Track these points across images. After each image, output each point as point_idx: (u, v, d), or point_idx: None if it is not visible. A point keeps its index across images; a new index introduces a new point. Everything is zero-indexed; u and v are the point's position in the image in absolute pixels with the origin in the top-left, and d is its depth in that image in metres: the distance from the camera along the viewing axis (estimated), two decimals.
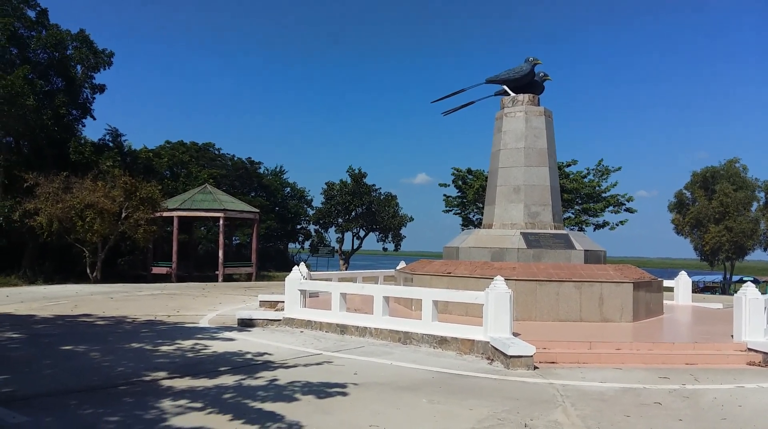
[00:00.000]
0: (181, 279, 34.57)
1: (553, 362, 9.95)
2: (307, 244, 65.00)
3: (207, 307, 17.94)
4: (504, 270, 13.75)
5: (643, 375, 9.18)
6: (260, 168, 60.96)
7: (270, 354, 10.13)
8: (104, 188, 28.78)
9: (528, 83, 16.60)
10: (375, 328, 11.86)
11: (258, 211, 39.70)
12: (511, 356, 9.29)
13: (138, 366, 8.91)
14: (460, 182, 41.32)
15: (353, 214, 60.12)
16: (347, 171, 59.83)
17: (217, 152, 58.16)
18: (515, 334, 10.49)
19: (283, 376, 8.32)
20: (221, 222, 36.14)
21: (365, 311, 12.90)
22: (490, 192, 16.62)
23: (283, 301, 17.65)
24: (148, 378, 8.14)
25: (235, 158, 58.49)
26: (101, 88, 36.36)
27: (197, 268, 41.19)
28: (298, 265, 17.39)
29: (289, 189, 63.42)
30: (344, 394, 7.44)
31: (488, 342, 10.26)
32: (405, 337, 11.38)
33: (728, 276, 47.20)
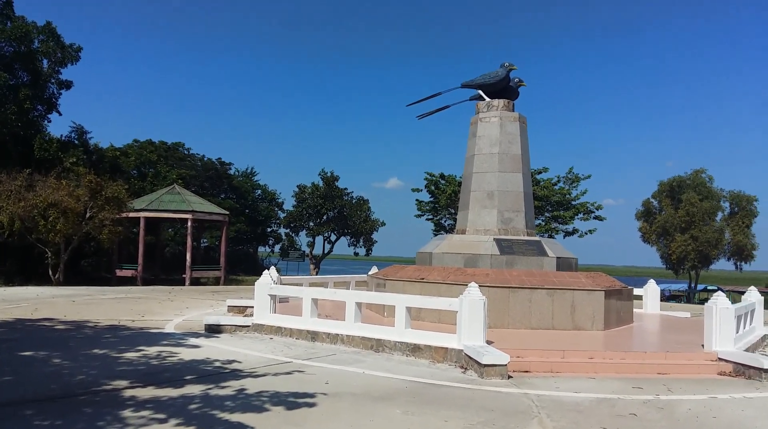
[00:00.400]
0: (147, 282, 33.82)
1: (526, 371, 9.84)
2: (277, 248, 64.44)
3: (173, 311, 17.49)
4: (477, 276, 13.64)
5: (617, 385, 9.12)
6: (231, 169, 60.21)
7: (238, 362, 9.82)
8: (68, 187, 28.00)
9: (503, 88, 16.59)
10: (347, 336, 11.63)
11: (227, 213, 39.11)
12: (485, 365, 9.16)
13: (100, 374, 8.54)
14: (432, 187, 41.31)
15: (324, 217, 59.75)
16: (319, 174, 59.34)
17: (186, 152, 57.28)
18: (488, 342, 10.37)
19: (252, 386, 8.04)
20: (189, 224, 35.48)
21: (337, 317, 12.67)
22: (463, 197, 16.53)
23: (252, 307, 17.33)
24: (109, 387, 7.78)
25: (205, 159, 57.69)
26: (68, 84, 35.46)
27: (164, 271, 40.41)
28: (268, 270, 17.08)
29: (260, 191, 62.76)
30: (315, 405, 7.20)
31: (462, 350, 10.11)
32: (377, 345, 11.17)
33: (693, 285, 48.04)
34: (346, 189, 60.24)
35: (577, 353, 10.57)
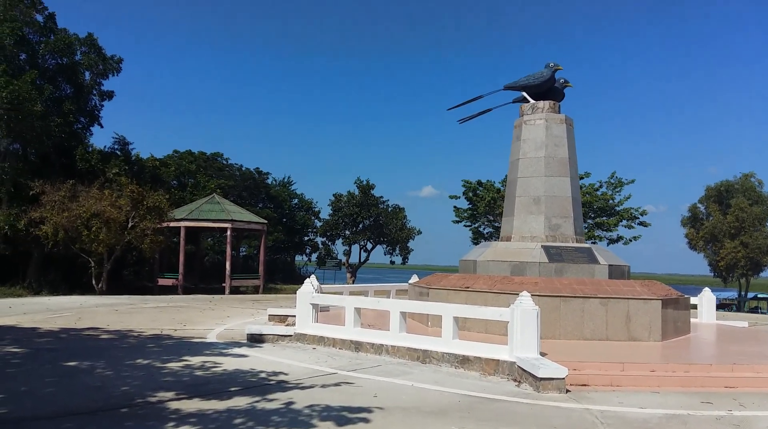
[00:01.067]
0: (187, 291, 34.05)
1: (584, 385, 9.32)
2: (314, 257, 64.53)
3: (215, 320, 17.37)
4: (526, 285, 13.14)
5: (683, 400, 8.54)
6: (268, 178, 60.57)
7: (284, 373, 9.53)
8: (111, 197, 28.35)
9: (548, 90, 16.08)
10: (392, 346, 11.26)
11: (266, 222, 39.22)
12: (542, 378, 8.67)
13: (143, 385, 8.34)
14: (471, 194, 40.76)
15: (360, 226, 59.65)
16: (355, 182, 59.37)
17: (225, 162, 57.84)
18: (542, 354, 9.87)
19: (300, 399, 7.73)
20: (229, 233, 35.64)
21: (379, 327, 12.32)
22: (508, 203, 16.04)
23: (293, 315, 17.10)
24: (153, 399, 7.56)
25: (243, 169, 58.17)
26: (109, 95, 36.09)
27: (203, 279, 40.71)
28: (308, 278, 16.86)
29: (296, 200, 62.99)
30: (366, 420, 6.84)
31: (514, 362, 9.64)
32: (424, 356, 10.77)
33: (743, 293, 46.30)
34: (381, 197, 60.12)
35: (638, 366, 9.99)
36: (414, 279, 21.14)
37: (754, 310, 42.36)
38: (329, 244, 63.78)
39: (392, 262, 65.22)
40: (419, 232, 63.12)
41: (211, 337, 13.69)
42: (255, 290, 36.96)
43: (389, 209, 60.86)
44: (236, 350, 11.72)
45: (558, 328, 12.62)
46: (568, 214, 15.22)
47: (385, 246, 62.03)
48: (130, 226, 29.36)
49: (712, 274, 48.74)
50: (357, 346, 11.79)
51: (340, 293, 17.23)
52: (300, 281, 61.26)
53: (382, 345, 11.41)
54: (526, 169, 15.56)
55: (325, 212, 61.19)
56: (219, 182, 49.30)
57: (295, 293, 34.25)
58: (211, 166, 54.66)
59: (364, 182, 59.39)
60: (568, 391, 8.79)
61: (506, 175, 37.90)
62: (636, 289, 13.41)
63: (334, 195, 60.40)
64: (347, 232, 59.90)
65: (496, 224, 41.94)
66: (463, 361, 10.25)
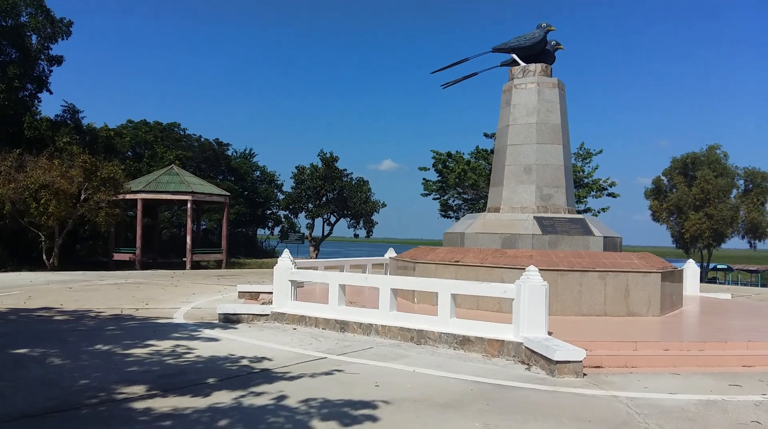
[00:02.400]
0: (145, 266, 32.46)
1: (598, 366, 8.54)
2: (276, 230, 63.11)
3: (180, 298, 16.12)
4: (520, 258, 12.32)
5: (709, 382, 7.83)
6: (228, 150, 58.64)
7: (267, 359, 8.47)
8: (61, 167, 26.47)
9: (540, 52, 15.11)
10: (382, 326, 10.29)
11: (228, 194, 37.67)
12: (558, 362, 7.83)
13: (106, 377, 7.17)
14: (440, 166, 39.87)
15: (324, 199, 58.45)
16: (318, 155, 58.01)
17: (182, 132, 55.65)
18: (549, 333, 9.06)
19: (292, 392, 6.69)
20: (189, 205, 34.01)
21: (362, 304, 11.33)
22: (496, 172, 15.13)
23: (266, 292, 16.03)
24: (119, 395, 6.42)
25: (202, 139, 56.10)
26: (59, 60, 33.74)
27: (162, 254, 39.04)
28: (285, 252, 15.78)
29: (258, 172, 61.24)
30: (374, 418, 5.86)
31: (521, 343, 8.79)
32: (419, 337, 9.84)
33: (705, 264, 47.00)
34: (345, 170, 58.92)
35: (650, 344, 9.27)
36: (390, 253, 20.22)
37: (712, 280, 42.99)
38: (292, 217, 62.50)
39: (356, 236, 64.30)
40: (384, 205, 62.28)
41: (179, 318, 12.50)
42: (217, 265, 35.56)
43: (353, 182, 59.73)
44: (209, 332, 10.59)
45: (555, 303, 11.81)
46: (561, 184, 14.41)
47: (348, 219, 61.04)
48: (83, 198, 27.56)
49: (675, 245, 49.31)
50: (343, 326, 10.78)
51: (316, 268, 16.18)
52: (262, 255, 59.74)
53: (371, 325, 10.43)
54: (517, 136, 14.64)
55: (288, 185, 59.77)
56: (177, 153, 47.27)
57: (260, 268, 33.06)
58: (167, 136, 52.41)
59: (328, 155, 58.06)
60: (584, 374, 7.99)
61: (493, 145, 36.69)
62: (634, 261, 12.72)
63: (297, 167, 58.88)
64: (310, 206, 58.61)
65: (465, 196, 41.30)
66: (463, 341, 9.35)
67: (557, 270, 11.96)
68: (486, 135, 40.61)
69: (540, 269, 11.71)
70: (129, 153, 45.26)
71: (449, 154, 41.12)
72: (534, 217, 13.57)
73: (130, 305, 14.25)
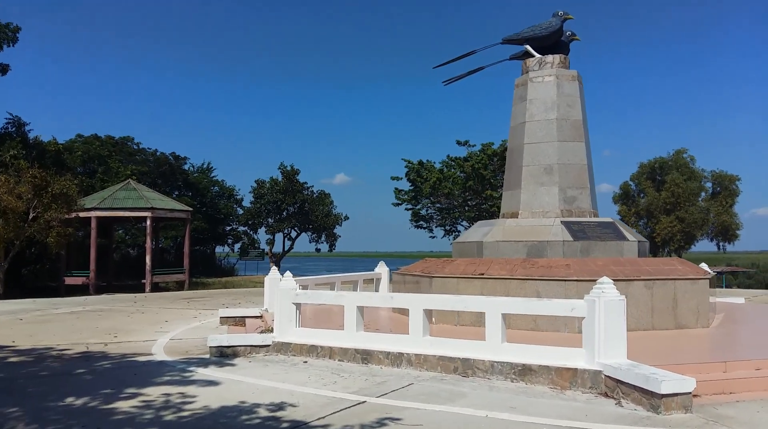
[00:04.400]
0: (100, 290, 29.82)
1: (695, 395, 7.05)
2: (237, 247, 60.57)
3: (151, 327, 14.05)
4: (555, 268, 10.85)
5: None
6: (186, 164, 55.86)
7: (292, 406, 6.68)
8: (8, 183, 23.82)
9: (555, 43, 13.78)
10: (416, 355, 8.59)
11: (190, 209, 35.36)
12: (665, 395, 6.31)
13: None
14: (414, 175, 38.41)
15: (285, 213, 56.40)
16: (279, 168, 55.94)
17: (136, 146, 52.66)
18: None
19: None
20: (149, 223, 31.52)
21: (372, 328, 9.60)
22: (512, 174, 13.67)
23: (251, 316, 14.18)
24: None
25: (158, 153, 53.17)
26: (3, 69, 30.89)
27: (116, 277, 36.32)
28: (271, 270, 14.07)
29: (217, 187, 58.59)
30: None
31: (599, 372, 7.25)
32: (464, 367, 8.19)
33: None
34: (305, 183, 57.06)
35: (739, 364, 7.86)
36: (381, 267, 18.56)
37: None
38: (252, 233, 60.10)
39: (318, 250, 62.37)
40: (346, 218, 60.59)
41: (159, 353, 10.51)
42: (179, 286, 33.07)
43: (314, 195, 57.87)
44: (204, 372, 8.69)
45: None
46: (585, 185, 13.06)
47: (310, 233, 59.06)
48: (31, 217, 24.94)
49: None
50: (365, 356, 9.04)
51: (306, 287, 14.37)
52: (222, 274, 56.99)
53: (401, 354, 8.72)
54: (535, 134, 13.23)
55: (248, 200, 57.49)
56: (132, 168, 44.48)
57: (225, 288, 30.48)
58: (121, 150, 49.47)
59: (288, 168, 56.10)
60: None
61: (506, 142, 35.57)
62: (677, 267, 11.41)
63: (256, 181, 56.52)
64: (270, 220, 56.41)
65: (439, 205, 39.96)
66: (524, 371, 7.75)
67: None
68: (459, 143, 39.42)
69: (581, 280, 10.31)
70: (80, 169, 42.26)
71: (421, 163, 39.76)
72: (561, 221, 12.14)
73: (97, 339, 12.16)
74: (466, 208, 38.61)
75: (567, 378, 7.47)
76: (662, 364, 7.36)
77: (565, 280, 10.44)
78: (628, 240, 12.14)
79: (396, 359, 8.75)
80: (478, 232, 13.24)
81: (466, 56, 14.83)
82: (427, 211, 40.48)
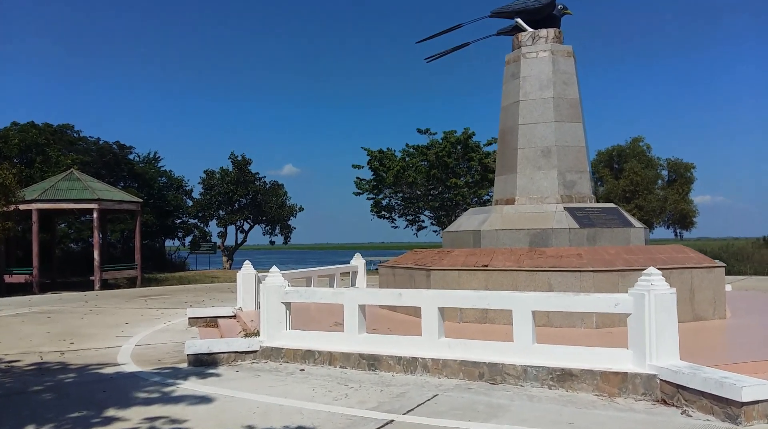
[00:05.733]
0: (44, 288, 27.69)
1: None
2: (187, 241, 58.29)
3: (111, 331, 12.60)
4: (566, 258, 10.02)
5: None
6: (131, 154, 53.12)
7: None
8: None
9: (546, 17, 12.93)
10: (433, 360, 7.57)
11: (141, 201, 33.42)
12: (745, 403, 5.49)
13: None
14: (376, 163, 37.31)
15: (237, 205, 54.62)
16: (229, 158, 54.15)
17: (77, 135, 49.67)
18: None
19: None
20: (95, 215, 29.45)
21: (375, 329, 8.53)
22: (505, 158, 12.78)
23: (224, 316, 12.98)
24: None
25: (101, 142, 50.28)
26: None
27: (60, 273, 34.03)
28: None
29: (165, 178, 56.04)
30: None
31: (654, 375, 6.40)
32: (491, 373, 7.22)
33: None
34: (257, 174, 55.33)
35: None
36: (358, 259, 17.51)
37: None
38: (202, 226, 57.95)
39: (272, 243, 60.80)
40: (301, 209, 59.19)
41: (127, 362, 9.18)
42: (131, 283, 31.12)
43: (267, 186, 56.21)
44: (188, 386, 7.44)
45: None
46: (584, 168, 12.30)
47: (264, 225, 57.41)
48: None
49: None
50: (372, 362, 7.96)
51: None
52: (173, 269, 54.79)
53: (415, 359, 7.69)
54: (530, 114, 12.35)
55: (197, 192, 55.29)
56: (73, 157, 41.79)
57: (181, 283, 28.67)
58: (60, 139, 46.44)
59: (239, 157, 54.22)
60: None
61: (468, 131, 34.40)
62: (690, 255, 10.78)
63: (205, 172, 54.56)
64: (222, 213, 54.50)
65: (401, 195, 39.03)
66: (563, 377, 6.83)
67: (616, 270, 9.75)
68: (420, 131, 38.54)
69: (597, 270, 9.52)
70: (16, 159, 39.41)
71: (381, 151, 38.69)
72: (565, 207, 11.32)
73: (50, 346, 10.69)
74: (430, 197, 37.81)
75: (615, 384, 6.59)
76: (715, 364, 6.59)
77: (579, 271, 9.61)
78: (634, 226, 11.46)
79: (409, 365, 7.71)
80: (472, 220, 12.31)
81: (450, 30, 13.86)
82: (389, 200, 39.50)
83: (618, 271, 9.72)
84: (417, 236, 41.75)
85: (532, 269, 9.94)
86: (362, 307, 8.44)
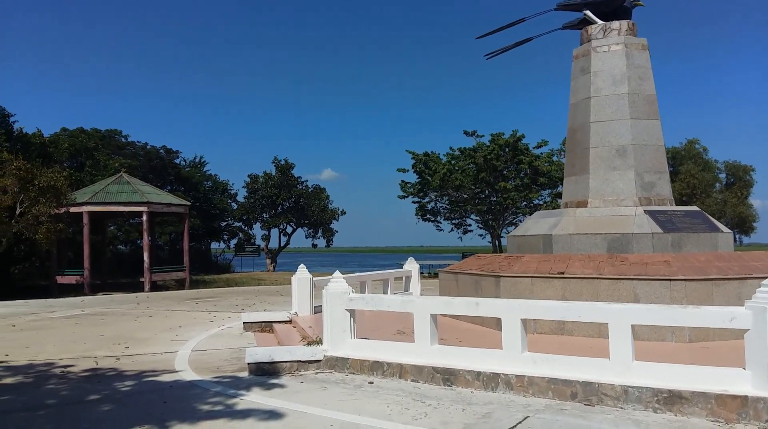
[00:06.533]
0: (95, 289, 27.92)
1: None
2: (232, 243, 58.74)
3: (165, 334, 12.29)
4: (652, 265, 9.22)
5: None
6: (177, 158, 53.74)
7: None
8: None
9: (617, 9, 12.17)
10: (517, 376, 6.90)
11: (189, 204, 33.44)
12: None
13: None
14: (421, 166, 36.70)
15: (280, 208, 54.78)
16: (273, 162, 54.48)
17: (125, 140, 50.52)
18: None
19: None
20: (145, 218, 29.63)
21: (440, 338, 7.87)
22: (576, 157, 12.02)
23: (279, 321, 12.50)
24: None
25: (148, 146, 51.02)
26: None
27: (110, 275, 34.40)
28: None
29: (210, 182, 56.53)
30: None
31: None
32: (585, 392, 6.51)
33: None
34: (300, 177, 55.43)
35: None
36: (411, 264, 16.90)
37: None
38: (246, 228, 58.31)
39: (314, 246, 60.76)
40: (343, 213, 59.01)
41: (185, 369, 8.76)
42: (180, 285, 31.24)
43: (309, 190, 56.24)
44: (251, 398, 6.95)
45: None
46: (663, 169, 11.49)
47: (306, 228, 57.45)
48: (18, 212, 22.99)
49: None
50: (447, 376, 7.34)
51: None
52: (219, 271, 55.19)
53: (495, 375, 7.03)
54: (603, 111, 11.59)
55: (241, 195, 55.70)
56: (122, 162, 42.40)
57: (228, 285, 28.35)
58: (108, 143, 47.33)
59: (283, 162, 54.36)
60: None
61: (516, 133, 33.64)
62: None
63: (249, 176, 54.90)
64: (265, 216, 54.75)
65: (447, 198, 38.33)
66: (670, 399, 6.08)
67: (710, 279, 8.92)
68: (466, 133, 37.83)
69: (690, 279, 8.69)
70: (66, 163, 40.14)
71: (427, 154, 38.07)
72: (645, 211, 10.52)
73: (105, 351, 10.39)
74: (477, 201, 37.01)
75: (733, 408, 5.83)
76: None
77: (669, 280, 8.82)
78: (722, 231, 10.57)
79: (490, 381, 7.06)
80: (542, 223, 11.58)
81: (512, 25, 13.21)
82: (434, 204, 38.84)
83: (712, 280, 8.89)
84: (461, 240, 41.05)
85: (616, 277, 9.17)
86: (434, 317, 7.83)
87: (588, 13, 12.18)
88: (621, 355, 6.50)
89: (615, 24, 11.87)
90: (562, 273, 9.62)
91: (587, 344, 8.45)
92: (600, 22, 12.03)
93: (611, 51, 11.71)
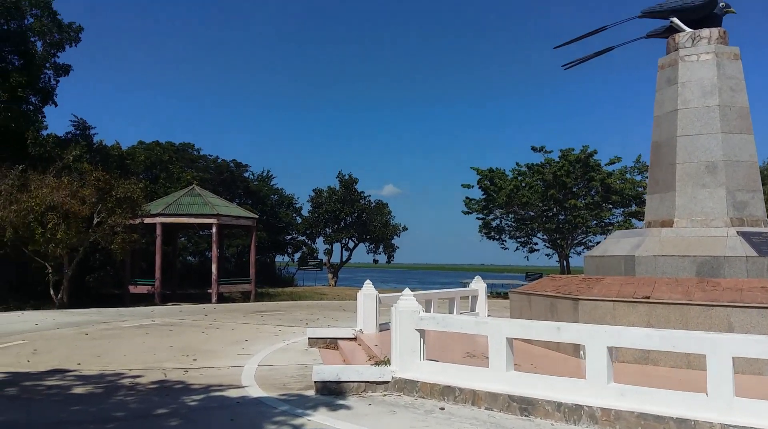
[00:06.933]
0: (165, 299, 28.59)
1: None
2: (296, 257, 59.36)
3: (232, 348, 12.26)
4: (748, 291, 8.49)
5: None
6: (246, 172, 54.94)
7: None
8: (71, 185, 22.73)
9: (706, 16, 11.46)
10: (602, 409, 6.38)
11: (256, 217, 33.96)
12: None
13: None
14: (486, 183, 36.07)
15: (342, 223, 55.02)
16: (337, 177, 54.81)
17: (197, 153, 52.05)
18: None
19: None
20: (215, 230, 30.21)
21: (479, 356, 7.41)
22: (661, 173, 11.33)
23: (344, 338, 12.27)
24: None
25: (219, 160, 52.38)
26: (66, 70, 30.24)
27: (179, 285, 35.23)
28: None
29: (276, 196, 57.47)
30: None
31: None
32: None
33: None
34: (363, 193, 55.58)
35: None
36: (478, 283, 16.38)
37: None
38: (310, 243, 58.82)
39: (375, 262, 60.67)
40: (405, 229, 58.65)
41: (252, 385, 8.62)
42: (245, 297, 31.65)
43: (372, 205, 56.28)
44: (317, 419, 6.70)
45: None
46: (757, 187, 10.65)
47: (368, 244, 57.45)
48: (95, 222, 23.80)
49: None
50: (525, 406, 6.88)
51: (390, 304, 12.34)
52: (282, 284, 55.83)
53: (579, 406, 6.53)
54: (691, 124, 10.89)
55: (306, 209, 56.33)
56: (194, 174, 43.64)
57: (293, 299, 28.18)
58: (182, 157, 48.84)
59: (346, 176, 54.70)
60: None
61: (587, 148, 32.79)
62: None
63: (314, 190, 55.41)
64: (328, 230, 55.09)
65: (513, 215, 37.47)
66: None
67: None
68: (534, 149, 36.93)
69: None
70: (142, 175, 41.66)
71: (491, 170, 37.39)
72: (738, 232, 9.75)
73: (173, 362, 10.41)
74: (544, 218, 36.00)
75: None
76: None
77: (764, 307, 8.08)
78: None
79: (572, 413, 6.56)
80: (623, 244, 10.93)
81: (593, 34, 12.67)
82: (500, 221, 38.05)
83: None
84: (528, 259, 40.02)
85: (708, 304, 8.49)
86: (510, 341, 7.40)
87: (675, 20, 11.52)
88: (721, 389, 5.90)
89: (705, 32, 11.17)
90: (648, 297, 8.99)
91: (675, 376, 7.83)
92: (688, 30, 11.36)
93: (700, 60, 11.02)
